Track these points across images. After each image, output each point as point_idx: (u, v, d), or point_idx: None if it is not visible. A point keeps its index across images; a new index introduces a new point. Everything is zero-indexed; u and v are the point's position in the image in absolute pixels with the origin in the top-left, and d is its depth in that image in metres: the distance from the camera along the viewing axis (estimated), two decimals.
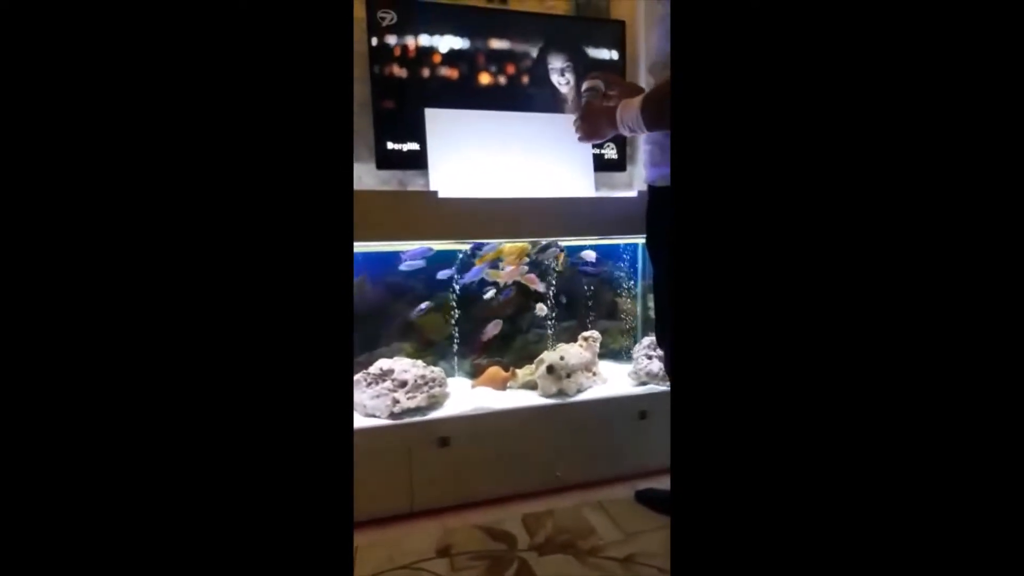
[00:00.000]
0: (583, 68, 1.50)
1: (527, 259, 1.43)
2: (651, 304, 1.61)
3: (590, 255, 1.54)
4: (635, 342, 1.56)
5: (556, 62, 1.51)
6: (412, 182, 1.50)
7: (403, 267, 1.36)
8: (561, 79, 1.51)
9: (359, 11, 1.37)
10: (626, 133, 1.04)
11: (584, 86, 1.15)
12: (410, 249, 1.35)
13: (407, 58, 1.39)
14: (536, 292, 1.45)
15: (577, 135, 1.13)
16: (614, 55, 1.56)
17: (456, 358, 1.46)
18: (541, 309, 1.47)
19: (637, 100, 0.97)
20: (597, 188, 1.42)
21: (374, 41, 1.36)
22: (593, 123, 1.09)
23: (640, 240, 1.58)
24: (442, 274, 1.40)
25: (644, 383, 1.40)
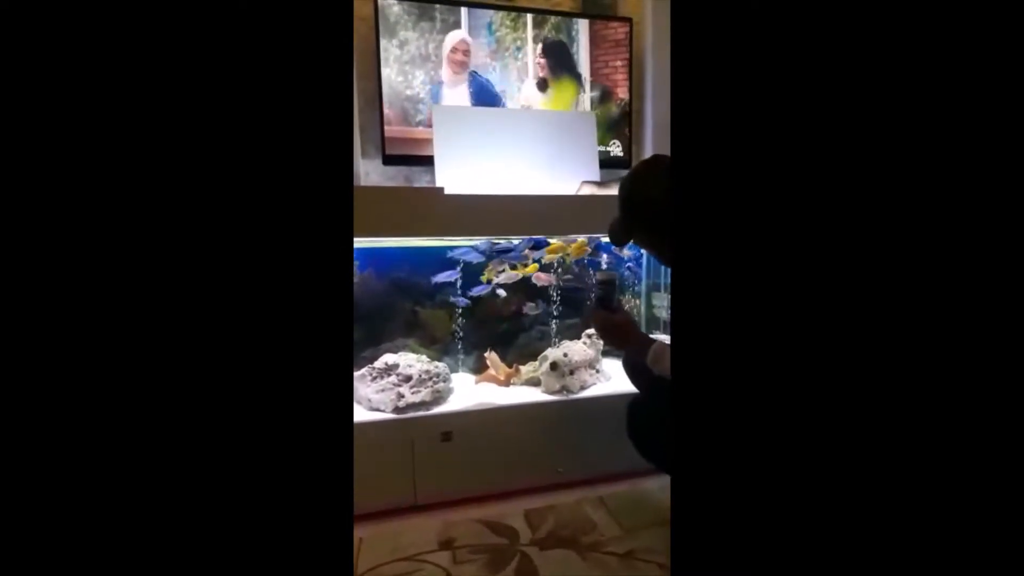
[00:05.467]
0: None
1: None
2: (655, 303, 1.62)
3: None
4: None
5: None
6: (418, 178, 1.51)
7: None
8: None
9: (367, 8, 1.38)
10: (657, 372, 0.96)
11: (597, 278, 1.06)
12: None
13: (414, 54, 1.40)
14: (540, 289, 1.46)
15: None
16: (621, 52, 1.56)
17: (460, 354, 1.47)
18: (531, 308, 1.48)
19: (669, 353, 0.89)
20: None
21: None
22: (620, 337, 1.04)
23: None
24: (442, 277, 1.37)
25: None
